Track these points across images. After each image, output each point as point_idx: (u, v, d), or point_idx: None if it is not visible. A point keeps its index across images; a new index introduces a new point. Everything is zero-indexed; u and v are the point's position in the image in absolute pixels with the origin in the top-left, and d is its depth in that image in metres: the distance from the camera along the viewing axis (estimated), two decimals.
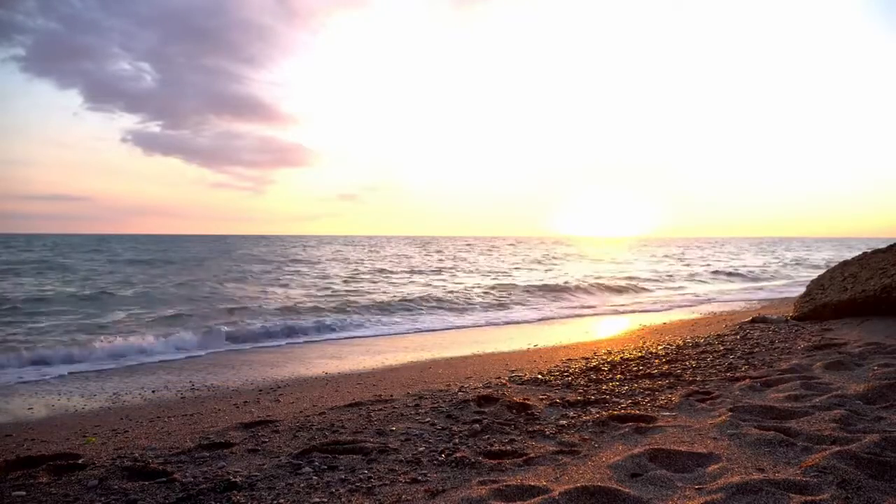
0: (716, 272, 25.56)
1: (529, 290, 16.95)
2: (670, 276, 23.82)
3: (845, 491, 2.29)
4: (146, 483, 2.71)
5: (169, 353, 8.00)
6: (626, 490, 2.42)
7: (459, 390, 4.63)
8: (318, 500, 2.51)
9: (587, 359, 6.16)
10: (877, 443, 2.70)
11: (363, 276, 22.78)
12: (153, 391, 5.74)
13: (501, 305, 14.28)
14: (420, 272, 25.45)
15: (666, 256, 42.43)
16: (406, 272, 25.27)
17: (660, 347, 6.62)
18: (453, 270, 26.54)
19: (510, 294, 16.03)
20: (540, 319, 12.11)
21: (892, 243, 7.98)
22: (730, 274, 24.90)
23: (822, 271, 9.42)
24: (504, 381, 4.97)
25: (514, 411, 3.87)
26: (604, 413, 3.74)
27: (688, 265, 31.47)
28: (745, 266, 29.87)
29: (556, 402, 4.09)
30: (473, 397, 4.18)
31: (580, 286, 18.18)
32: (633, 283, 20.21)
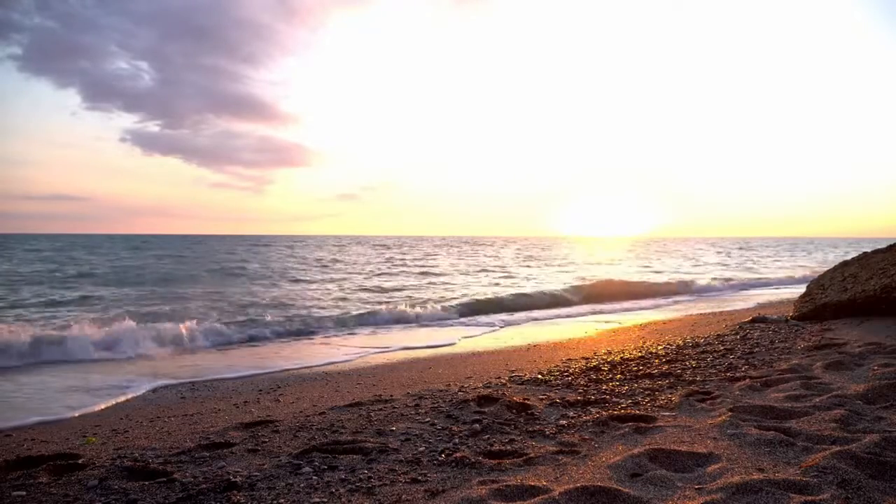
0: None
1: None
2: None
3: (845, 491, 2.29)
4: (146, 483, 2.71)
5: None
6: (626, 490, 2.42)
7: (459, 390, 4.63)
8: (318, 500, 2.51)
9: (587, 359, 6.16)
10: (877, 443, 2.70)
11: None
12: (153, 391, 5.74)
13: None
14: None
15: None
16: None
17: (660, 347, 6.62)
18: None
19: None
20: None
21: (892, 243, 7.98)
22: None
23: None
24: (504, 381, 4.97)
25: (514, 411, 3.87)
26: (604, 413, 3.74)
27: None
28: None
29: (556, 402, 4.09)
30: (473, 397, 4.18)
31: None
32: None
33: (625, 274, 24.27)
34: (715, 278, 21.82)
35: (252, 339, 9.18)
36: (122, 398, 5.42)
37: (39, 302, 13.62)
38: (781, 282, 21.56)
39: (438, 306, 13.10)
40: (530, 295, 15.64)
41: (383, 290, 17.43)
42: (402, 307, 12.71)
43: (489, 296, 15.38)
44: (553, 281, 21.13)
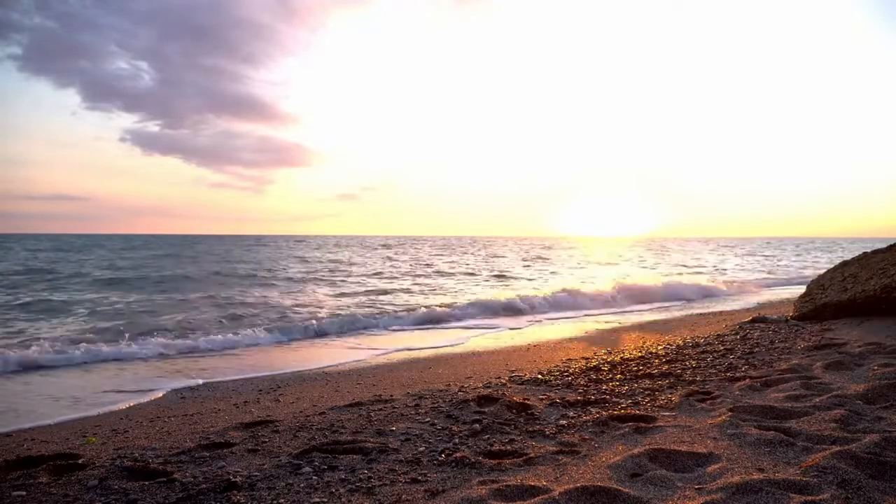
0: None
1: None
2: None
3: (845, 491, 2.29)
4: (146, 483, 2.71)
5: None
6: (626, 490, 2.42)
7: (459, 390, 4.63)
8: (318, 500, 2.51)
9: (587, 359, 6.16)
10: (877, 443, 2.70)
11: None
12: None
13: None
14: None
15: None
16: None
17: (660, 347, 6.62)
18: None
19: None
20: None
21: (892, 243, 7.98)
22: None
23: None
24: (504, 381, 4.97)
25: (514, 411, 3.87)
26: (604, 413, 3.74)
27: None
28: None
29: (556, 402, 4.09)
30: (473, 397, 4.19)
31: None
32: None
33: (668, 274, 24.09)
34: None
35: (257, 343, 9.14)
36: (144, 399, 5.43)
37: (34, 305, 13.60)
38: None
39: (445, 308, 13.05)
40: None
41: (386, 292, 17.41)
42: (407, 309, 12.69)
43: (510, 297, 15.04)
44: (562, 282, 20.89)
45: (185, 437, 3.61)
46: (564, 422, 3.60)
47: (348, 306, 13.59)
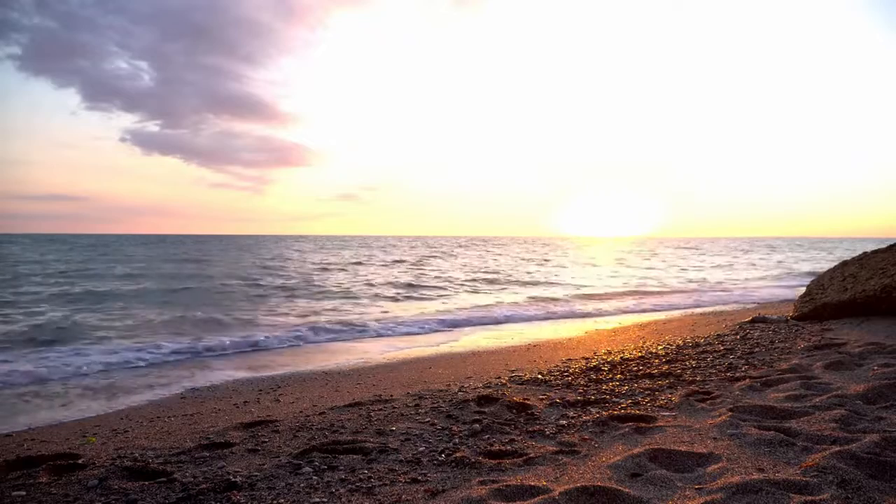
0: None
1: None
2: None
3: (845, 491, 2.29)
4: (146, 483, 2.71)
5: None
6: (626, 490, 2.42)
7: (459, 390, 4.63)
8: (318, 500, 2.51)
9: (587, 359, 6.16)
10: (877, 443, 2.70)
11: None
12: (153, 391, 5.74)
13: None
14: None
15: None
16: None
17: (660, 347, 6.62)
18: None
19: None
20: None
21: (892, 243, 7.98)
22: None
23: None
24: (504, 381, 4.97)
25: (514, 411, 3.87)
26: (604, 413, 3.74)
27: None
28: None
29: (556, 402, 4.09)
30: (473, 397, 4.19)
31: None
32: None
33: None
34: None
35: (268, 344, 9.10)
36: (144, 399, 5.43)
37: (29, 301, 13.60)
38: None
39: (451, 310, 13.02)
40: None
41: (392, 298, 17.40)
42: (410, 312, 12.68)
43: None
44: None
45: (185, 437, 3.61)
46: (564, 422, 3.60)
47: (353, 310, 13.56)
